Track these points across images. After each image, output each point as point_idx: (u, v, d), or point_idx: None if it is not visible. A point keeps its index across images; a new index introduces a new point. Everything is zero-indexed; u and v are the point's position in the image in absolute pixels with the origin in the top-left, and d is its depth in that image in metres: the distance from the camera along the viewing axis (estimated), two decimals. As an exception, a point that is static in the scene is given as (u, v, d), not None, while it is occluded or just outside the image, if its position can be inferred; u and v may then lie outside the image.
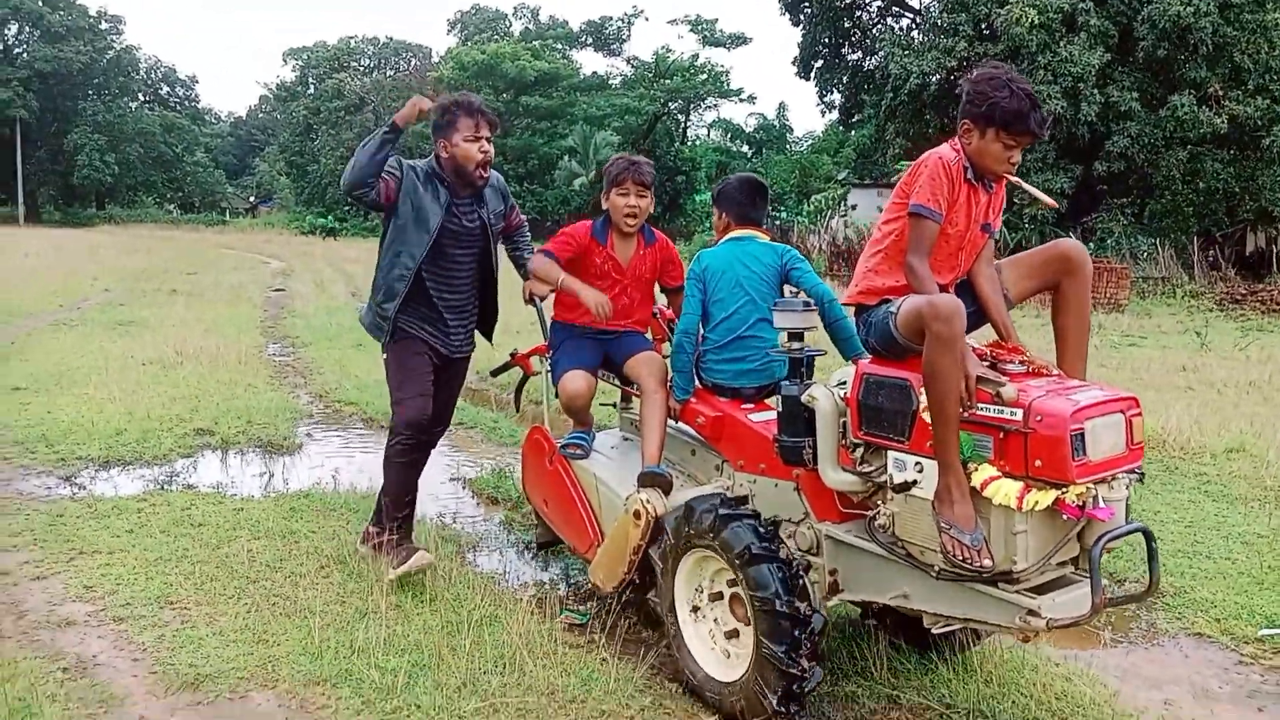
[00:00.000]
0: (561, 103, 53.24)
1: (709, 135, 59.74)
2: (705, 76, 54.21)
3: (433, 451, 4.47)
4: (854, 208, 37.31)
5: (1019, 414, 2.59)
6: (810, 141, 58.99)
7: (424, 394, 4.20)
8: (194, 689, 3.19)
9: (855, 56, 41.50)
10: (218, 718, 3.06)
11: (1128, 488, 2.71)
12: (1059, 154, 29.98)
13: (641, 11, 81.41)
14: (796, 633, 2.91)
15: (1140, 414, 2.71)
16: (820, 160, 53.37)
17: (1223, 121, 25.97)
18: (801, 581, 3.00)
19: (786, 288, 3.70)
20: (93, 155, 57.31)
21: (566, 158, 48.40)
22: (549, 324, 4.26)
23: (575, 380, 3.92)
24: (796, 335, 3.17)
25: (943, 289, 3.03)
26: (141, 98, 69.11)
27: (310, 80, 68.84)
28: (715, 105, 58.95)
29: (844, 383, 3.10)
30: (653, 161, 4.00)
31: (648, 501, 3.49)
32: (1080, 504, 2.57)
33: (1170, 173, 27.98)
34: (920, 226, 2.96)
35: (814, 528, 3.20)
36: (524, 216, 4.64)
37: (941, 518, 2.70)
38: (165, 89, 72.54)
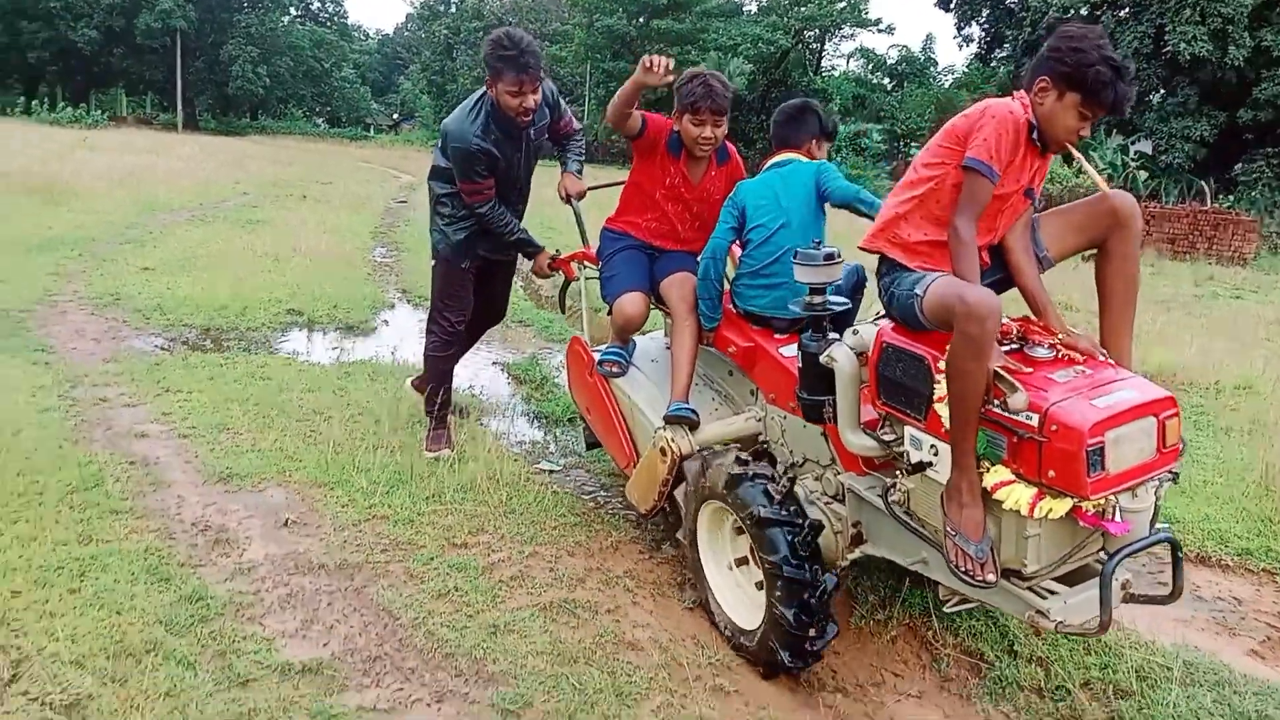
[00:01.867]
0: (693, 28, 52.94)
1: (848, 65, 58.65)
2: (843, 4, 52.95)
3: (484, 345, 5.11)
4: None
5: (1034, 419, 2.40)
6: (954, 76, 57.20)
7: (466, 307, 4.70)
8: (225, 481, 4.14)
9: (997, -13, 39.99)
10: (236, 499, 4.00)
11: (1157, 493, 2.54)
12: (1201, 98, 28.74)
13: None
14: (806, 596, 2.86)
15: (1177, 414, 2.49)
16: (959, 96, 51.97)
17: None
18: (812, 544, 2.93)
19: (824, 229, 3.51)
20: (246, 67, 60.05)
21: (698, 85, 48.42)
22: (600, 231, 4.12)
23: (633, 304, 3.79)
24: (818, 290, 2.99)
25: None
26: (293, 11, 71.60)
27: (452, 0, 70.23)
28: (853, 35, 57.67)
29: (858, 333, 2.96)
30: (728, 83, 3.74)
31: (672, 440, 3.46)
32: (1099, 513, 2.42)
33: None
34: (975, 184, 2.68)
35: (839, 476, 3.11)
36: (579, 125, 4.75)
37: (949, 521, 2.57)
38: (316, 4, 74.93)
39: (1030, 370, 2.52)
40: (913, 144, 43.10)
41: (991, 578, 2.50)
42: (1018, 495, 2.43)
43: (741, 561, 3.28)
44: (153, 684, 2.69)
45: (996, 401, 2.47)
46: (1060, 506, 2.39)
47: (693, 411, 3.50)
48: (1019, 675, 3.09)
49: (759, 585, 3.13)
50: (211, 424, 4.85)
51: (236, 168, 26.59)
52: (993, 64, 43.03)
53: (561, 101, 4.62)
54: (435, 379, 4.77)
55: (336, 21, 75.43)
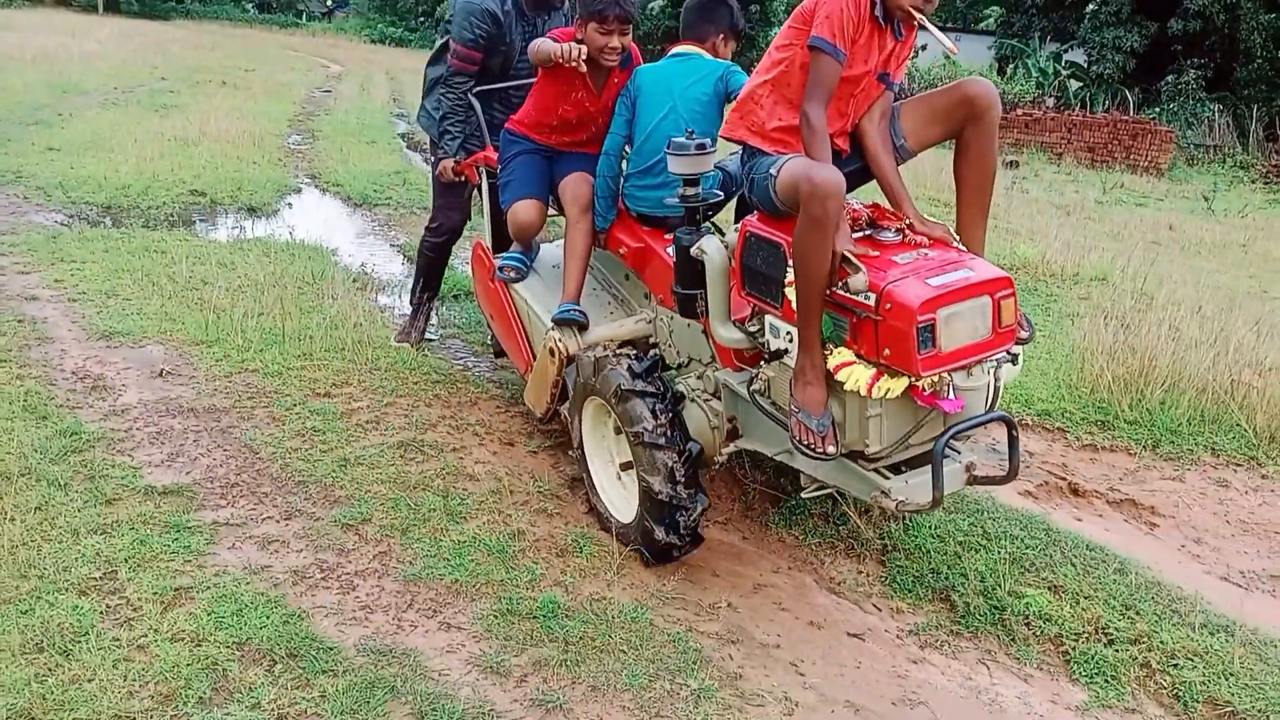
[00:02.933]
0: (637, -80, 51.70)
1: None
2: (791, -100, 51.84)
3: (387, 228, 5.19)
4: (923, 48, 36.72)
5: (872, 299, 2.44)
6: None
7: (463, 206, 4.65)
8: (107, 339, 4.43)
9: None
10: (116, 353, 4.31)
11: (993, 373, 2.60)
12: (1134, 8, 28.99)
13: None
14: (669, 461, 2.90)
15: (1012, 295, 2.52)
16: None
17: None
18: (673, 413, 2.98)
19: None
20: (170, -54, 57.60)
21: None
22: (501, 132, 3.92)
23: (526, 211, 3.73)
24: (691, 181, 2.94)
25: (830, 140, 2.75)
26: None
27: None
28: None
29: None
30: None
31: (560, 340, 3.45)
32: (935, 392, 2.48)
33: (1250, 36, 26.73)
34: (821, 63, 2.62)
35: (715, 372, 3.15)
36: None
37: (794, 400, 2.63)
38: (246, -119, 71.52)
39: (876, 254, 2.55)
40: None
41: (831, 449, 2.55)
42: (858, 376, 2.48)
43: (626, 467, 3.27)
44: (25, 500, 3.02)
45: (841, 284, 2.50)
46: (897, 385, 2.44)
47: (581, 313, 3.50)
48: (809, 504, 3.53)
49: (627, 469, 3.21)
50: (100, 290, 5.08)
51: (156, 52, 25.78)
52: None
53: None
54: (421, 268, 4.83)
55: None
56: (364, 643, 2.61)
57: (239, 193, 8.28)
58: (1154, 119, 26.24)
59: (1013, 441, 2.63)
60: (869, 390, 2.45)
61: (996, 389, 2.64)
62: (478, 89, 4.15)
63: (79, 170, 8.39)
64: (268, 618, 2.63)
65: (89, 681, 2.33)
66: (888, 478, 2.63)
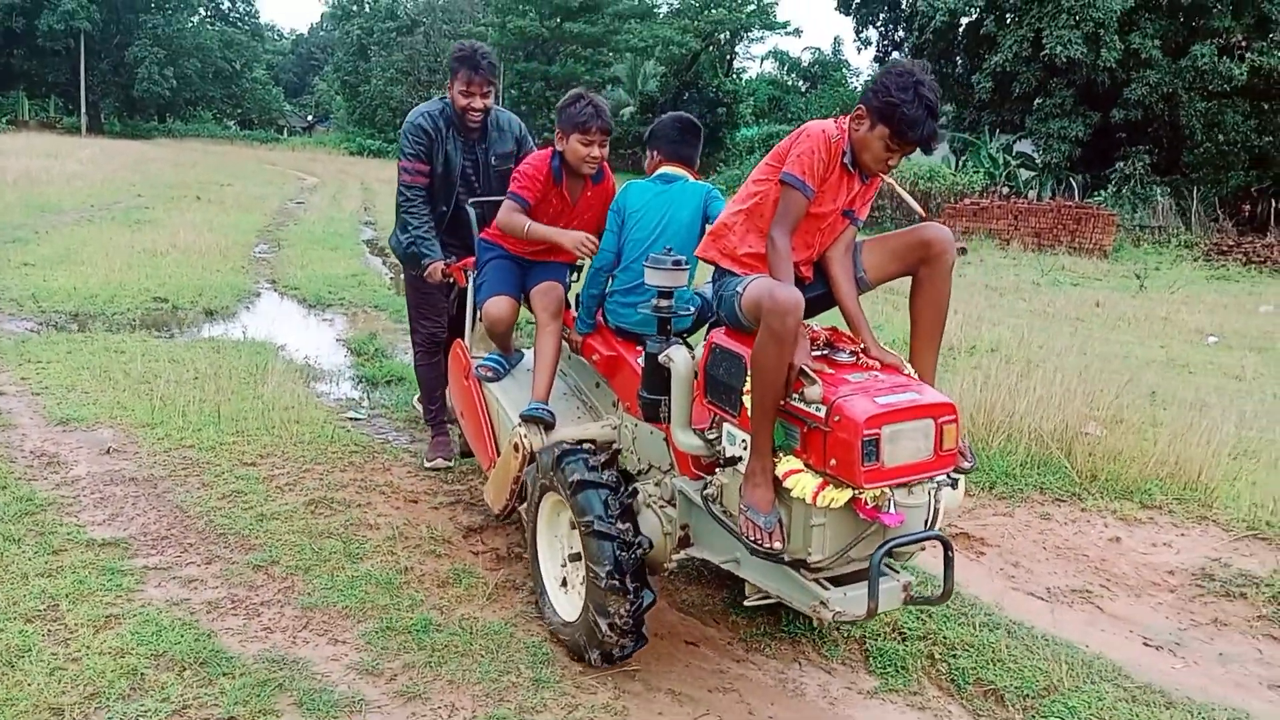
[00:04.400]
0: (605, 30, 53.88)
1: (761, 67, 60.21)
2: (752, 7, 54.22)
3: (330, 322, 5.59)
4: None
5: (823, 410, 2.58)
6: (861, 78, 59.00)
7: (438, 316, 4.82)
8: (64, 424, 5.03)
9: (896, -9, 41.10)
10: (71, 436, 4.90)
11: (933, 495, 2.71)
12: (1077, 100, 30.33)
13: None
14: (619, 553, 2.99)
15: (955, 421, 2.64)
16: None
17: (1242, 72, 25.63)
18: (626, 506, 3.09)
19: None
20: (152, 69, 59.47)
21: (610, 86, 49.38)
22: (477, 241, 4.23)
23: (499, 306, 3.96)
24: (665, 294, 3.10)
25: (795, 267, 3.00)
26: (203, 12, 70.90)
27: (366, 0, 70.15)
28: (761, 38, 59.13)
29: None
30: (609, 107, 3.91)
31: (525, 436, 3.57)
32: (876, 506, 2.58)
33: (1191, 123, 27.94)
34: (789, 197, 2.88)
35: (672, 480, 3.25)
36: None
37: (744, 499, 2.75)
38: (226, 3, 74.26)
39: (831, 371, 2.70)
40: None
41: (778, 545, 2.68)
42: (804, 484, 2.60)
43: (575, 558, 3.37)
44: (-15, 554, 3.55)
45: (796, 395, 2.64)
46: (840, 496, 2.57)
47: (549, 412, 3.64)
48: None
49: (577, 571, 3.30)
50: (61, 385, 5.69)
51: (135, 170, 26.78)
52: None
53: (530, 139, 4.76)
54: (425, 389, 4.99)
55: (248, 21, 74.66)
56: (261, 654, 3.14)
57: (199, 298, 8.94)
58: (1099, 204, 27.38)
59: (948, 562, 2.74)
60: (814, 498, 2.58)
61: (936, 510, 2.73)
62: (471, 200, 4.42)
63: (50, 282, 9.04)
64: (182, 636, 3.16)
65: (30, 685, 2.85)
66: (827, 589, 2.73)
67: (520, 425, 3.63)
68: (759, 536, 2.69)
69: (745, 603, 3.16)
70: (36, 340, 6.83)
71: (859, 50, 46.52)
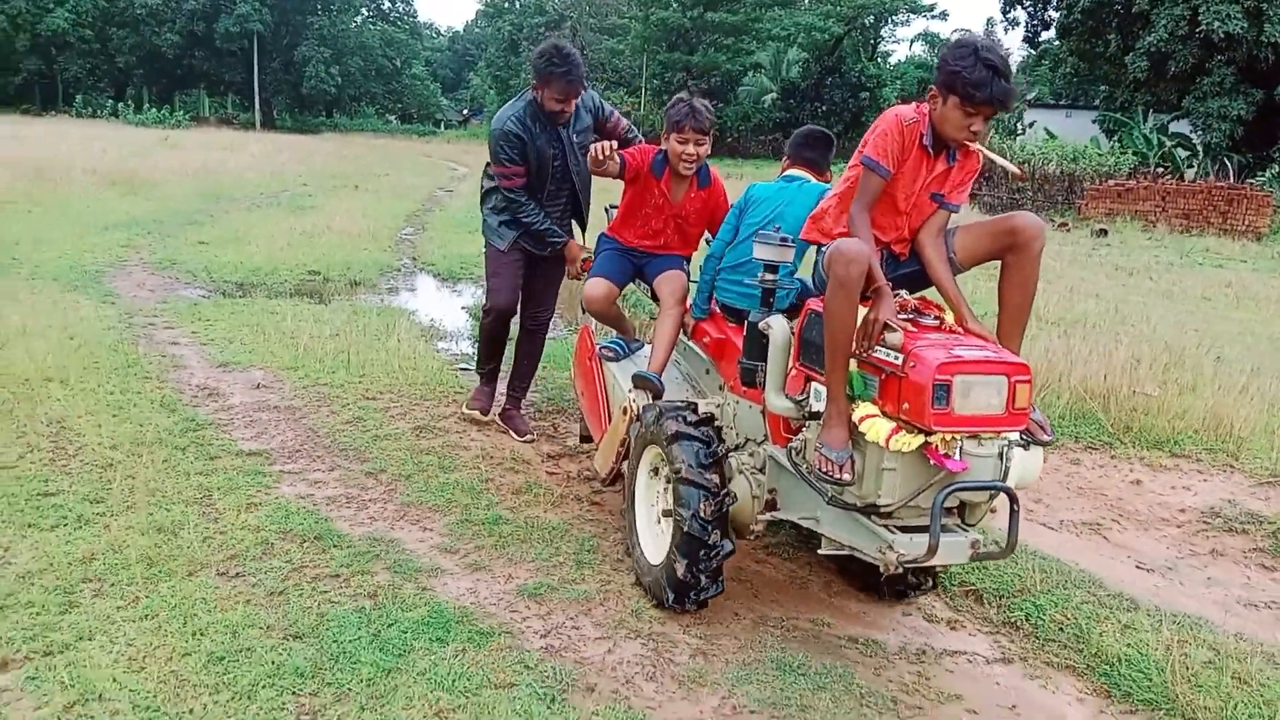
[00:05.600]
0: (746, 18, 54.10)
1: (910, 50, 59.34)
2: (896, -10, 53.44)
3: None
4: (1030, 125, 37.25)
5: (899, 358, 2.71)
6: (1018, 61, 57.39)
7: (513, 288, 5.02)
8: (224, 366, 6.01)
9: (1045, -32, 39.87)
10: (229, 375, 5.87)
11: (1005, 452, 2.74)
12: (1239, 77, 29.06)
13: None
14: (704, 501, 3.18)
15: (1028, 381, 2.71)
16: (1015, 78, 52.52)
17: None
18: (717, 459, 3.29)
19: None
20: (319, 67, 63.25)
21: (752, 73, 49.69)
22: (597, 237, 4.61)
23: (594, 286, 4.32)
24: (771, 267, 3.27)
25: (886, 246, 3.21)
26: (365, 12, 74.58)
27: (517, -4, 72.40)
28: (907, 21, 58.17)
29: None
30: (711, 107, 4.19)
31: (635, 401, 3.81)
32: (946, 454, 2.65)
33: (1361, 101, 26.37)
34: (866, 177, 3.04)
35: (765, 448, 3.40)
36: (628, 126, 4.93)
37: (819, 438, 2.90)
38: (387, 3, 77.83)
39: (914, 329, 2.84)
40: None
41: (848, 476, 2.82)
42: (878, 427, 2.73)
43: (667, 514, 3.49)
44: (156, 455, 4.47)
45: (879, 346, 2.79)
46: (912, 440, 2.67)
47: (659, 380, 3.85)
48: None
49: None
50: (224, 337, 6.70)
51: (301, 162, 28.74)
52: (1040, 46, 43.14)
53: (606, 105, 4.97)
54: (481, 345, 5.37)
55: (407, 20, 78.12)
56: (365, 535, 3.91)
57: (347, 271, 10.00)
58: (1261, 185, 26.16)
59: (1013, 515, 2.78)
60: (887, 441, 2.70)
61: (1007, 469, 2.77)
62: (607, 204, 4.73)
63: (220, 258, 10.27)
64: (305, 520, 3.96)
65: (185, 547, 3.68)
66: (894, 534, 2.86)
67: (631, 390, 3.90)
68: (830, 469, 2.84)
69: (820, 551, 3.29)
70: (206, 303, 7.94)
71: (1005, 31, 45.15)
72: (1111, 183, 25.88)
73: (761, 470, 3.42)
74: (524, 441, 5.07)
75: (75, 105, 56.57)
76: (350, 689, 2.86)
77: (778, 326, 3.20)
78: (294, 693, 2.83)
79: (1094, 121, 33.66)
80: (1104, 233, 21.87)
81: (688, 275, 4.32)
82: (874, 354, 2.81)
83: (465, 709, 2.80)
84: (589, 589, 3.60)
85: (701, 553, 3.23)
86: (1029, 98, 45.60)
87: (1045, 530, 4.44)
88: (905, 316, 2.91)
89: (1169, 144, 30.07)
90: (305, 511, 4.05)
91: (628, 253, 4.44)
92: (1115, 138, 31.92)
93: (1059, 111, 39.22)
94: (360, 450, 4.75)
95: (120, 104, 54.73)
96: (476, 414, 5.28)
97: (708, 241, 4.22)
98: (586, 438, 4.77)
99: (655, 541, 3.58)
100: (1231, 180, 26.41)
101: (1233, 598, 3.90)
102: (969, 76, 2.86)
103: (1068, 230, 22.24)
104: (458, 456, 4.75)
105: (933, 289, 3.27)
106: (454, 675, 2.95)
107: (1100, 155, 29.00)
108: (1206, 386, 5.97)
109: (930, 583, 3.66)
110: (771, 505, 3.38)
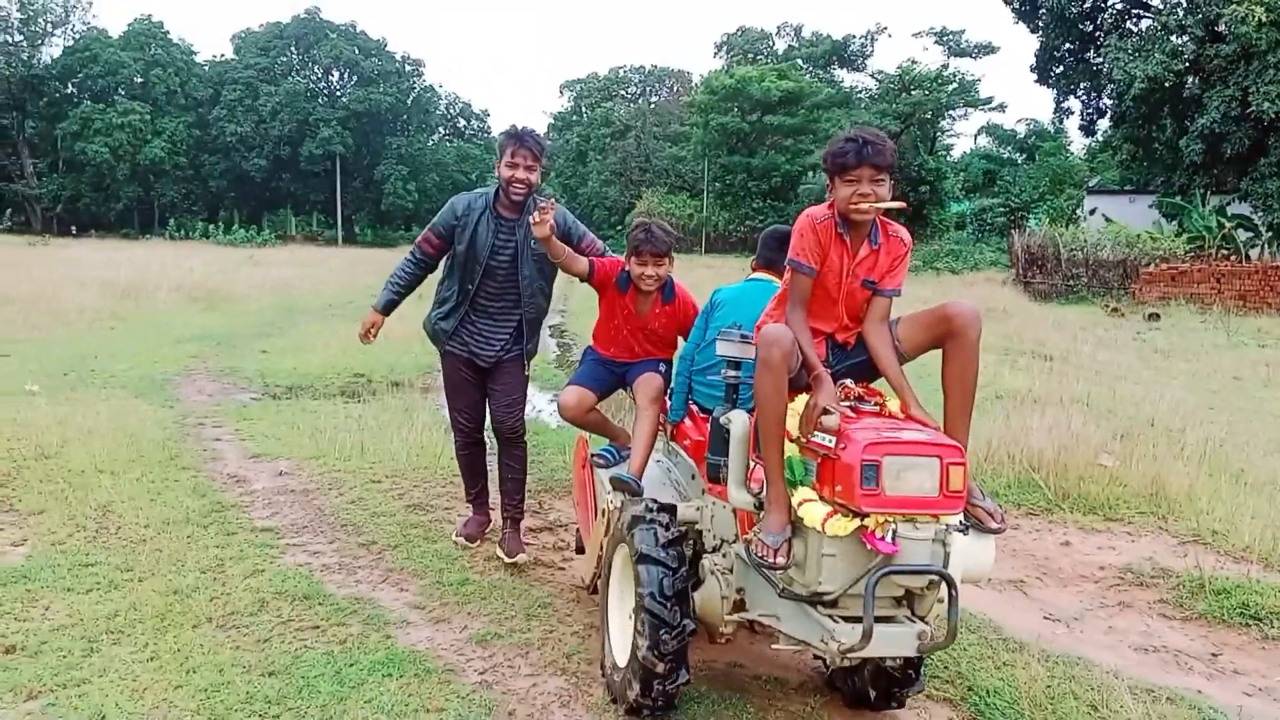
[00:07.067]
0: (805, 120, 55.55)
1: (975, 142, 60.03)
2: (954, 86, 54.30)
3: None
4: (1092, 212, 37.40)
5: (833, 441, 2.77)
6: (1084, 146, 57.63)
7: (468, 405, 5.04)
8: (255, 458, 6.75)
9: (1098, 60, 40.35)
10: (258, 464, 6.59)
11: (942, 537, 2.74)
12: (1281, 160, 28.91)
13: (885, 29, 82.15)
14: (663, 633, 3.16)
15: (962, 464, 2.72)
16: (1077, 166, 52.80)
17: None
18: (681, 589, 3.24)
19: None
20: (397, 184, 66.54)
21: (811, 174, 50.88)
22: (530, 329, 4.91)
23: (569, 394, 4.52)
24: (734, 364, 3.37)
25: (829, 336, 3.30)
26: (441, 131, 78.36)
27: (583, 109, 75.40)
28: (965, 115, 58.97)
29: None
30: (671, 230, 4.43)
31: (612, 503, 3.84)
32: (880, 535, 2.68)
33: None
34: (794, 279, 3.19)
35: (735, 548, 3.37)
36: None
37: (759, 525, 2.98)
38: (462, 122, 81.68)
39: (854, 415, 2.92)
40: (1028, 216, 43.84)
41: (782, 560, 2.91)
42: (814, 512, 2.79)
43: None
44: (182, 532, 5.17)
45: (817, 431, 2.85)
46: (848, 524, 2.72)
47: (637, 482, 3.90)
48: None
49: None
50: (262, 433, 7.49)
51: (376, 274, 29.99)
52: (1097, 134, 43.35)
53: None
54: (462, 473, 5.31)
55: (481, 137, 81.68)
56: (349, 595, 4.52)
57: (390, 374, 10.84)
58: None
59: (953, 602, 2.76)
60: (823, 525, 2.76)
61: (947, 555, 2.77)
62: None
63: (278, 364, 11.23)
64: (299, 583, 4.59)
65: (196, 606, 4.32)
66: (836, 623, 2.89)
67: (611, 492, 3.97)
68: (765, 553, 2.93)
69: (772, 646, 3.43)
70: (255, 406, 8.81)
71: (1058, 120, 45.51)
72: (1166, 266, 25.91)
73: (729, 571, 3.42)
74: (511, 562, 4.88)
75: (169, 229, 60.16)
76: (307, 712, 3.44)
77: (737, 420, 3.25)
78: (260, 715, 3.42)
79: (1150, 206, 33.67)
80: (1156, 316, 21.90)
81: (666, 378, 4.44)
82: (813, 439, 2.88)
83: (397, 726, 3.36)
84: (532, 637, 4.14)
85: (654, 682, 3.24)
86: (1089, 184, 45.81)
87: (969, 589, 4.83)
88: (847, 403, 3.00)
89: (1229, 225, 29.93)
90: (301, 576, 4.68)
91: (606, 363, 4.61)
92: (1174, 221, 31.89)
93: (1122, 197, 39.32)
94: (357, 525, 5.41)
95: (211, 225, 58.11)
96: (463, 541, 5.17)
97: None
98: (581, 548, 4.72)
99: (626, 639, 3.49)
100: (1282, 259, 26.21)
101: (1125, 643, 4.26)
102: (834, 151, 3.12)
103: (1121, 316, 22.32)
104: (441, 530, 5.36)
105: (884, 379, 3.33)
106: (395, 702, 3.51)
107: (1156, 239, 29.02)
108: (1164, 456, 6.30)
109: (916, 677, 3.46)
110: (740, 606, 3.36)
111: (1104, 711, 3.55)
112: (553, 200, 4.44)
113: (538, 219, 4.18)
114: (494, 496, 5.36)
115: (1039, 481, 5.83)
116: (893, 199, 3.15)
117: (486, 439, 5.25)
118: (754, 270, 4.09)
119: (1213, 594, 4.57)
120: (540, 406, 8.67)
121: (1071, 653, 4.08)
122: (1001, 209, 47.26)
